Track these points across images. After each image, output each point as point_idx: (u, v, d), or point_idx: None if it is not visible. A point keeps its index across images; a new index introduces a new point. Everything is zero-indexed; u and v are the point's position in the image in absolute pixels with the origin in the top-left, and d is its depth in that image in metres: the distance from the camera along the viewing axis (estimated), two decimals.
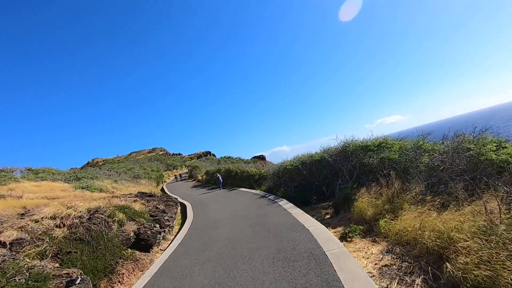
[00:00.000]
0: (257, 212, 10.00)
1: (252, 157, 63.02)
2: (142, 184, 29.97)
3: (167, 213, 11.52)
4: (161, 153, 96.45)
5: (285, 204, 10.26)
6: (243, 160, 55.25)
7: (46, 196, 17.16)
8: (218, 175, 22.71)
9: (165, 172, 54.63)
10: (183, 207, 17.21)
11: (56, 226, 7.24)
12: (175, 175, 48.92)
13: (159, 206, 11.82)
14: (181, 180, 41.30)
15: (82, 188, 21.31)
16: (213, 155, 79.56)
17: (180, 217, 15.31)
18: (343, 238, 6.05)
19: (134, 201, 13.11)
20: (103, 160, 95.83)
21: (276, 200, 11.44)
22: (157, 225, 10.47)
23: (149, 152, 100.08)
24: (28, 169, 27.59)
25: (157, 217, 10.71)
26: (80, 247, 6.30)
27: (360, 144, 9.01)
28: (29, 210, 8.60)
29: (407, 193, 6.36)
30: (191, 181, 37.71)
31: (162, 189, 30.56)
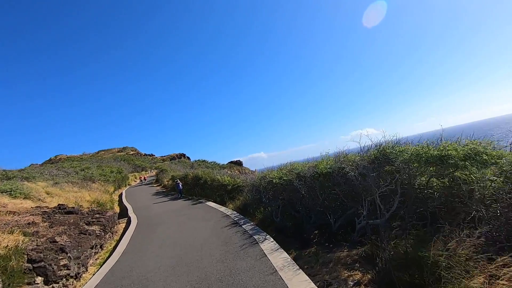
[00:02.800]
0: (221, 267, 5.44)
1: (229, 162, 58.35)
2: (93, 188, 24.52)
3: (69, 252, 6.68)
4: (131, 152, 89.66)
5: (273, 252, 5.74)
6: (218, 164, 50.37)
7: None
8: (179, 181, 18.88)
9: (132, 174, 49.48)
10: (128, 225, 12.72)
11: None
12: (140, 177, 43.20)
13: (58, 239, 6.93)
14: (145, 184, 35.82)
15: (1, 192, 15.84)
16: (187, 157, 73.92)
17: (113, 244, 10.45)
18: None
19: (28, 223, 8.19)
20: (67, 157, 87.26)
21: (255, 237, 6.93)
22: (38, 279, 5.70)
23: (119, 151, 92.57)
24: None
25: (42, 263, 5.90)
26: None
27: (422, 151, 4.57)
28: None
29: None
30: (156, 186, 32.48)
31: (121, 195, 25.55)
